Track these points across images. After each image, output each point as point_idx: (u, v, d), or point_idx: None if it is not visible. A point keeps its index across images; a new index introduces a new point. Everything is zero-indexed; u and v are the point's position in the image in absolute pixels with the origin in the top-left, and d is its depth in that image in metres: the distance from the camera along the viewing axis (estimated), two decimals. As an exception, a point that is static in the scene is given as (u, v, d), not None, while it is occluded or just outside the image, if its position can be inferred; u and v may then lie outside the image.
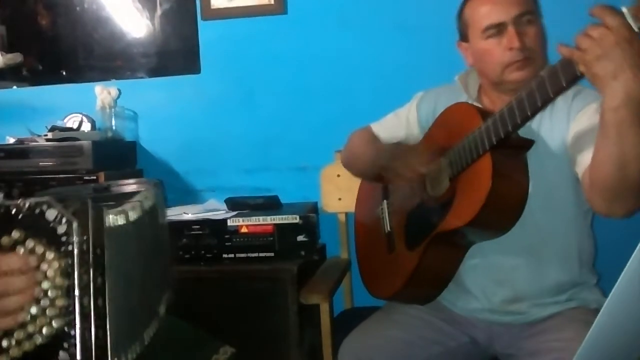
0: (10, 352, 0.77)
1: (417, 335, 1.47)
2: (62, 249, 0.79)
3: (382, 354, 1.43)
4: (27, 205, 0.79)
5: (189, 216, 1.96)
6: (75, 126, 2.29)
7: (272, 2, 2.26)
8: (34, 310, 0.79)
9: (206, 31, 2.35)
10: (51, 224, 0.79)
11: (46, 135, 2.15)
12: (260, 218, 1.88)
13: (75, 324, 0.78)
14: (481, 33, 1.40)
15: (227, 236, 1.88)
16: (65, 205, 0.79)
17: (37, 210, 0.80)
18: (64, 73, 2.45)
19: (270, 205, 2.04)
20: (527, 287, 1.42)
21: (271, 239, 1.86)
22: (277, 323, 1.78)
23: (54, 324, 0.78)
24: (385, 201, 1.65)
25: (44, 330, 0.78)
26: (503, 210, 1.32)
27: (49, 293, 0.79)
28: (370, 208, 1.72)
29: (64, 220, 0.79)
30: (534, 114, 1.21)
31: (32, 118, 2.30)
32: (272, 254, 1.86)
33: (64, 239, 0.79)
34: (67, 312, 0.78)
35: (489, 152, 1.30)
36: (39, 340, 0.78)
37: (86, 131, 2.27)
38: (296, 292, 1.76)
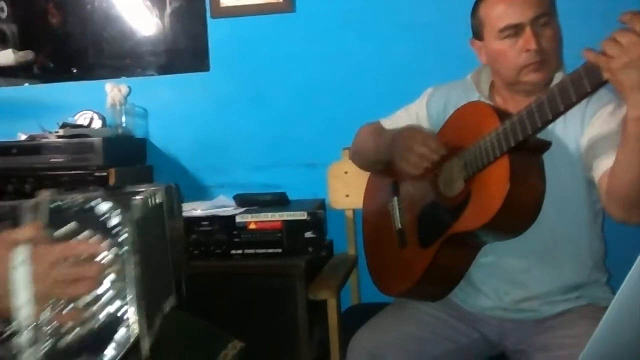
0: (76, 331, 0.85)
1: (429, 331, 1.47)
2: (114, 239, 0.87)
3: (394, 350, 1.43)
4: (79, 200, 0.87)
5: (198, 212, 1.98)
6: (86, 123, 2.31)
7: (281, 0, 2.27)
8: (98, 292, 0.87)
9: (215, 29, 2.36)
10: (102, 217, 0.87)
11: (57, 131, 2.17)
12: (269, 214, 1.89)
13: (128, 306, 0.87)
14: (497, 33, 1.38)
15: (235, 232, 1.89)
16: (115, 200, 0.88)
17: (88, 205, 0.88)
18: (75, 70, 2.48)
19: (279, 201, 2.05)
20: (539, 287, 1.43)
21: (279, 235, 1.87)
22: (285, 318, 1.80)
23: (112, 306, 0.86)
24: (395, 198, 1.64)
25: (104, 312, 0.86)
26: (519, 214, 1.32)
27: (106, 279, 0.87)
28: (380, 204, 1.71)
29: (114, 213, 0.88)
30: (555, 118, 1.21)
31: (43, 115, 2.32)
32: (280, 250, 1.87)
33: (115, 230, 0.87)
34: (121, 296, 0.87)
35: (506, 155, 1.29)
36: (99, 321, 0.86)
37: (97, 128, 2.30)
38: (304, 287, 1.77)
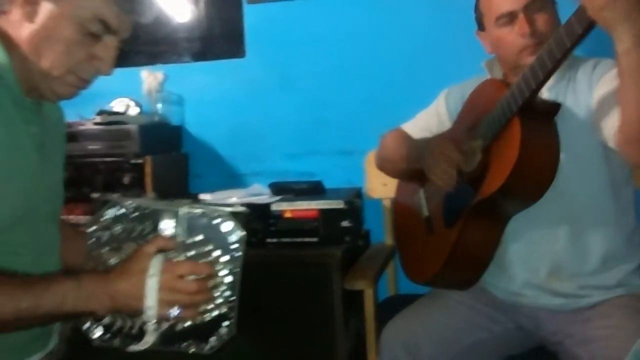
0: (189, 323, 1.05)
1: (463, 320, 1.48)
2: (232, 254, 1.02)
3: (427, 339, 1.44)
4: (208, 215, 1.01)
5: (233, 200, 1.97)
6: (122, 110, 2.32)
7: (317, -17, 2.24)
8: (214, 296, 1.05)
9: (251, 15, 2.34)
10: (225, 234, 1.01)
11: (95, 119, 2.19)
12: (305, 203, 1.87)
13: (234, 309, 1.04)
14: (495, 21, 1.45)
15: (271, 220, 1.87)
16: (236, 219, 1.01)
17: (216, 221, 1.01)
18: (112, 58, 2.49)
19: (314, 190, 2.03)
20: (569, 258, 1.42)
21: (315, 224, 1.85)
22: (321, 308, 1.78)
23: (222, 308, 1.04)
24: (422, 189, 1.67)
25: (214, 313, 1.04)
26: (534, 173, 1.32)
27: (221, 287, 1.03)
28: (409, 197, 1.73)
29: (236, 232, 1.01)
30: (555, 67, 1.21)
31: (81, 102, 2.30)
32: (316, 239, 1.85)
33: (234, 246, 1.02)
34: (230, 301, 1.04)
35: (517, 118, 1.31)
36: (209, 318, 1.03)
37: (133, 115, 2.31)
38: (341, 277, 1.75)
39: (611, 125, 1.29)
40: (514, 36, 1.42)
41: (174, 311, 1.01)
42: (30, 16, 1.02)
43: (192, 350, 1.05)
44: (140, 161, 2.07)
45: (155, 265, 0.99)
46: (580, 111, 1.41)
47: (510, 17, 1.42)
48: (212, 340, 1.05)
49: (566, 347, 1.39)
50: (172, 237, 1.02)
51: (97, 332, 1.03)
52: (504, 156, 1.33)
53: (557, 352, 1.43)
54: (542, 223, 1.42)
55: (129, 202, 1.03)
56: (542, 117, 1.34)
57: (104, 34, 1.06)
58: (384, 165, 1.80)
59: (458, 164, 1.46)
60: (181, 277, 1.01)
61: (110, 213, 1.02)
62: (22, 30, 1.03)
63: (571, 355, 1.37)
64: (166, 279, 0.99)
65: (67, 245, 1.22)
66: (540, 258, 1.44)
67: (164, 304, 1.00)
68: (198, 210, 1.02)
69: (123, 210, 1.03)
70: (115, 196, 1.08)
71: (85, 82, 1.09)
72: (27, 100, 1.07)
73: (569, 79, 1.45)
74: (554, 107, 1.35)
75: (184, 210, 1.02)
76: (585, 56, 1.48)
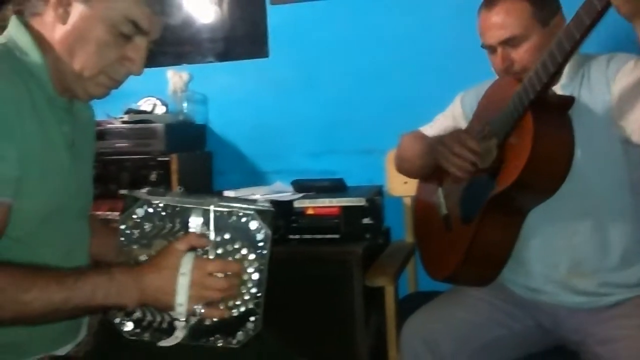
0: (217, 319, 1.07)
1: (482, 316, 1.47)
2: (259, 252, 1.04)
3: (447, 335, 1.43)
4: (237, 214, 1.03)
5: (256, 196, 1.99)
6: (149, 109, 2.37)
7: (340, -16, 2.26)
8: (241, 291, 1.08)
9: (275, 15, 2.37)
10: (253, 232, 1.03)
11: (122, 117, 2.24)
12: (327, 200, 1.89)
13: (260, 305, 1.06)
14: (484, 47, 1.50)
15: (293, 217, 1.90)
16: (263, 218, 1.03)
17: (244, 220, 1.03)
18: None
19: (336, 188, 2.05)
20: (589, 253, 1.40)
21: (337, 221, 1.87)
22: (342, 304, 1.80)
23: (249, 305, 1.06)
24: (440, 188, 1.67)
25: (242, 308, 1.06)
26: (549, 166, 1.31)
27: (248, 284, 1.06)
28: (428, 197, 1.73)
29: (262, 230, 1.03)
30: (565, 61, 1.20)
31: (109, 101, 2.36)
32: (337, 236, 1.87)
33: (260, 244, 1.04)
34: (256, 299, 1.06)
35: (529, 112, 1.31)
36: (236, 313, 1.06)
37: (159, 114, 2.35)
38: (361, 274, 1.77)
39: (634, 119, 1.29)
40: (497, 64, 1.47)
41: (202, 308, 1.03)
42: (63, 18, 1.04)
43: (219, 343, 1.07)
44: (166, 159, 2.11)
45: (186, 263, 1.01)
46: (597, 107, 1.39)
47: (491, 49, 1.47)
48: (239, 334, 1.07)
49: (587, 346, 1.37)
50: (202, 235, 1.03)
51: (128, 326, 1.05)
52: (518, 150, 1.33)
53: (579, 351, 1.41)
54: (561, 218, 1.42)
55: (158, 200, 1.04)
56: (555, 111, 1.33)
57: (134, 34, 1.07)
58: (402, 165, 1.81)
59: (471, 148, 1.44)
60: (211, 274, 1.03)
61: (140, 212, 1.04)
62: (55, 31, 1.05)
63: (592, 355, 1.36)
64: (197, 276, 1.01)
65: (97, 241, 1.25)
66: (559, 253, 1.43)
67: (194, 300, 1.02)
68: (226, 209, 1.03)
69: (152, 209, 1.04)
70: (144, 191, 1.08)
71: (116, 82, 1.11)
72: (60, 99, 1.10)
73: (583, 76, 1.43)
74: (568, 101, 1.35)
75: (212, 208, 1.03)
76: (597, 52, 1.47)
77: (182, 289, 1.00)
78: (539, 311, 1.47)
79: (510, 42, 1.42)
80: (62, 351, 1.11)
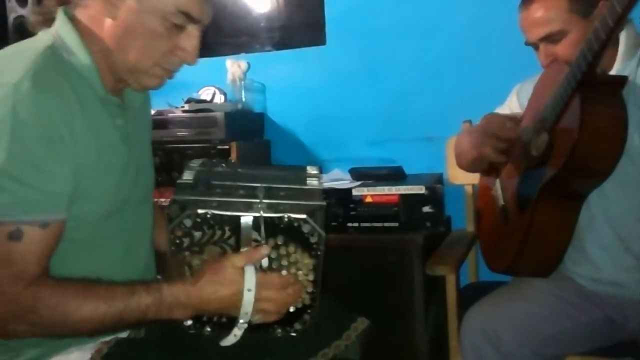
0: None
1: (546, 309, 1.44)
2: (312, 253, 1.04)
3: (508, 327, 1.40)
4: (288, 218, 1.02)
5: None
6: (209, 98, 2.40)
7: (399, -31, 2.22)
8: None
9: (332, 2, 2.36)
10: (305, 235, 1.03)
11: (183, 106, 2.28)
12: (385, 188, 1.87)
13: (316, 300, 1.09)
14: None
15: (352, 205, 1.89)
16: (315, 219, 1.02)
17: (296, 224, 1.02)
18: (198, 48, 2.58)
19: (395, 175, 2.02)
20: None
21: (396, 209, 1.85)
22: (402, 293, 1.78)
23: (305, 301, 1.09)
24: (497, 180, 1.65)
25: (299, 305, 1.09)
26: (599, 146, 1.28)
27: (305, 283, 1.07)
28: (488, 190, 1.72)
29: (315, 233, 1.03)
30: (610, 37, 1.17)
31: (170, 91, 2.42)
32: (396, 224, 1.85)
33: (314, 246, 1.04)
34: (312, 294, 1.08)
35: (578, 93, 1.29)
36: (293, 309, 1.09)
37: (219, 103, 2.38)
38: (421, 263, 1.75)
39: None
40: (542, 60, 1.47)
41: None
42: (111, 12, 1.02)
43: (278, 332, 1.10)
44: (226, 147, 2.14)
45: (250, 278, 1.02)
46: None
47: (534, 46, 1.47)
48: (297, 325, 1.10)
49: None
50: (257, 246, 1.03)
51: (187, 322, 1.06)
52: (568, 132, 1.31)
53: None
54: (620, 208, 1.37)
55: (204, 210, 1.00)
56: (605, 90, 1.30)
57: (187, 24, 1.05)
58: (460, 161, 1.78)
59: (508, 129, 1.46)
60: (271, 290, 1.04)
61: (188, 223, 1.00)
62: (104, 25, 1.03)
63: None
64: (262, 291, 1.02)
65: (159, 230, 1.27)
66: (621, 241, 1.38)
67: (258, 312, 1.04)
68: (276, 214, 1.02)
69: (200, 219, 1.01)
70: (199, 163, 1.08)
71: (170, 73, 1.09)
72: (111, 97, 1.08)
73: None
74: (618, 80, 1.31)
75: (262, 215, 1.01)
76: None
77: (248, 304, 1.02)
78: (607, 304, 1.42)
79: (550, 39, 1.40)
80: (124, 334, 1.12)
